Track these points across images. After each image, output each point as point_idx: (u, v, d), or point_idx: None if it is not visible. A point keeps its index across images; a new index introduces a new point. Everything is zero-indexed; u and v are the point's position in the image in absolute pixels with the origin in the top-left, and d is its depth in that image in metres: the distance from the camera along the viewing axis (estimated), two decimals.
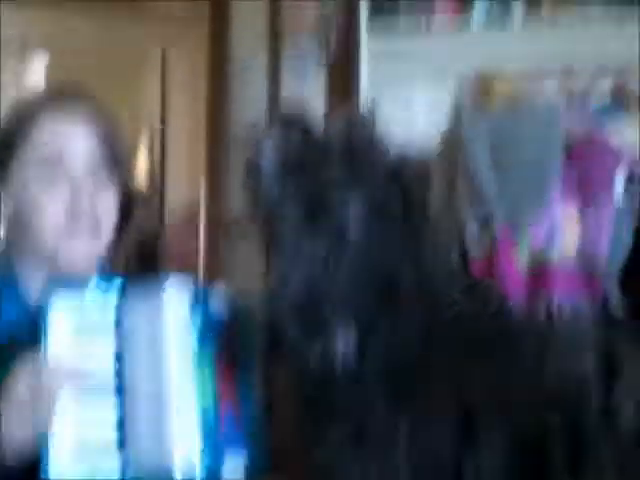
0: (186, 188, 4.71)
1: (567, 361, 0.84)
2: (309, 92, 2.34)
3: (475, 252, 1.83)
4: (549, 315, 1.73)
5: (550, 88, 2.66)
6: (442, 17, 2.74)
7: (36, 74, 5.88)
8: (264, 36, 2.51)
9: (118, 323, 0.92)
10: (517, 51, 2.68)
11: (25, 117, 1.15)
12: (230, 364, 0.94)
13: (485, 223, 1.83)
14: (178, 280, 0.94)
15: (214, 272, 2.83)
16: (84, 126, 1.15)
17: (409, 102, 2.76)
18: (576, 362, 0.83)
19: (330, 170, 0.94)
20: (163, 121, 5.49)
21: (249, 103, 2.63)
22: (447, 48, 2.71)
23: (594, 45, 2.47)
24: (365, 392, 0.88)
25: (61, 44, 6.08)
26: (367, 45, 2.17)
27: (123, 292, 0.94)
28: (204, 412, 0.87)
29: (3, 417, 0.89)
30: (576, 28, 2.59)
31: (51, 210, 1.10)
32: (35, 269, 1.14)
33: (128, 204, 1.21)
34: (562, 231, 1.78)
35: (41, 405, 0.87)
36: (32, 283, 1.13)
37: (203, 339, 0.91)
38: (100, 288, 0.95)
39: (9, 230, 1.17)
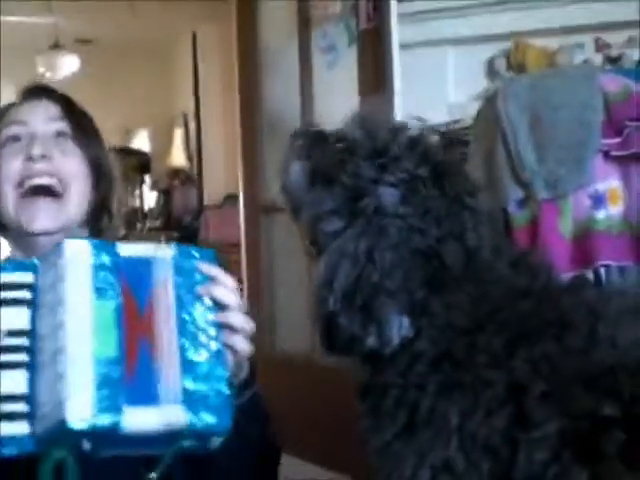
0: (223, 169, 4.75)
1: (620, 334, 0.81)
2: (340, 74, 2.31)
3: (518, 221, 1.80)
4: (597, 281, 1.72)
5: (587, 46, 2.61)
6: None
7: (71, 63, 5.95)
8: (293, 22, 2.49)
9: (35, 294, 0.93)
10: (552, 10, 2.62)
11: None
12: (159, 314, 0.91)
13: (527, 191, 1.80)
14: (78, 240, 0.94)
15: (253, 251, 2.85)
16: (48, 102, 1.17)
17: (442, 66, 2.73)
18: (629, 334, 0.81)
19: (360, 163, 0.94)
20: (197, 103, 5.53)
21: (280, 86, 2.63)
22: (480, 9, 2.67)
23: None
24: (418, 375, 0.87)
25: (94, 32, 6.14)
26: (397, 10, 2.12)
27: (39, 266, 0.94)
28: (102, 362, 0.85)
29: None
30: None
31: (10, 167, 1.10)
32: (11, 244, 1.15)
33: (102, 175, 1.19)
34: (606, 196, 1.75)
35: None
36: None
37: (106, 288, 0.90)
38: (18, 265, 0.96)
39: None
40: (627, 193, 1.74)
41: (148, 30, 5.86)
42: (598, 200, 1.74)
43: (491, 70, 2.70)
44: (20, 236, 1.13)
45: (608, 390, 0.74)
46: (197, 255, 0.96)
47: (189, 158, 6.20)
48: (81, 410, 0.83)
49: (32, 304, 0.93)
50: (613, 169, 1.77)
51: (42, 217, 1.10)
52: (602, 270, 1.71)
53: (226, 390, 0.90)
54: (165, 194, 6.32)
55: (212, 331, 0.93)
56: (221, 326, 0.94)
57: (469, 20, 2.66)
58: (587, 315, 0.83)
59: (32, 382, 0.88)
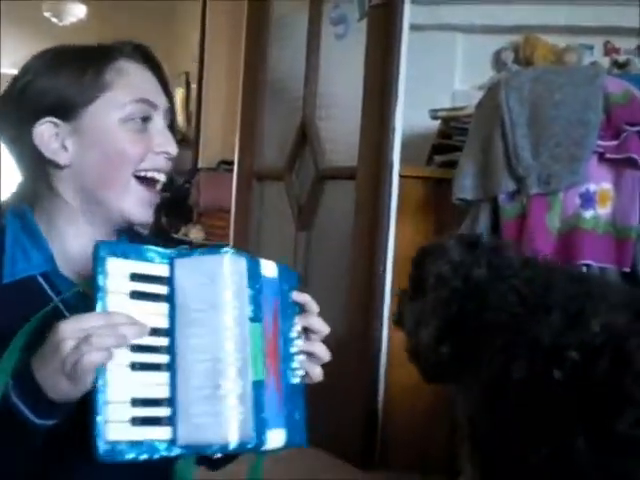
0: (220, 134, 4.73)
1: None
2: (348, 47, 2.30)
3: (507, 213, 1.81)
4: None
5: (596, 48, 2.61)
6: None
7: (78, 11, 5.89)
8: None
9: (172, 291, 0.87)
10: (565, 8, 2.62)
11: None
12: (277, 338, 0.92)
13: (519, 184, 1.81)
14: (233, 250, 0.88)
15: (243, 217, 2.85)
16: (154, 75, 1.12)
17: (451, 52, 2.72)
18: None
19: None
20: (201, 66, 5.48)
21: (287, 55, 2.61)
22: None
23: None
24: None
25: None
26: None
27: (176, 260, 0.89)
28: (256, 385, 0.85)
29: (44, 370, 0.84)
30: None
31: (134, 150, 1.04)
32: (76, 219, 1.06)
33: None
34: (596, 197, 1.76)
35: (87, 361, 0.81)
36: (59, 235, 1.05)
37: (257, 310, 0.88)
38: (154, 255, 0.89)
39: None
40: (617, 196, 1.75)
41: None
42: (588, 200, 1.75)
43: (498, 61, 2.70)
44: (101, 211, 1.05)
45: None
46: (292, 279, 0.97)
47: (187, 119, 6.15)
48: (241, 433, 0.82)
49: (170, 301, 0.87)
50: (606, 171, 1.77)
51: (145, 210, 1.05)
52: (583, 269, 1.73)
53: (304, 412, 0.94)
54: None
55: (301, 356, 0.96)
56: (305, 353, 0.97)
57: (482, 9, 2.66)
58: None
59: (173, 385, 0.84)
